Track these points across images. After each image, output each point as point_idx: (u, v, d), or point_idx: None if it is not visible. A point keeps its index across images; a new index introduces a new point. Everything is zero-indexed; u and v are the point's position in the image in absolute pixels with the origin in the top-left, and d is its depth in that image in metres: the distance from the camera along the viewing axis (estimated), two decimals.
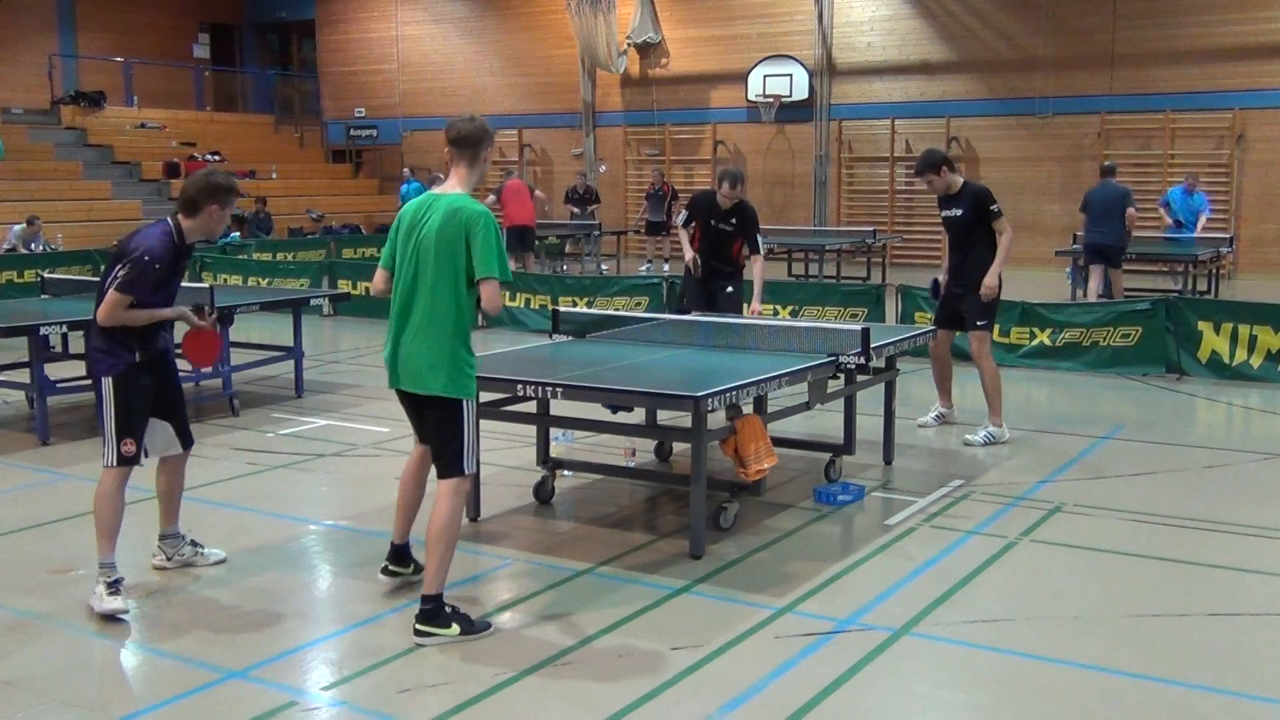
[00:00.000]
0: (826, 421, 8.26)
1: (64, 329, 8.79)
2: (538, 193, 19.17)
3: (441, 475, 4.95)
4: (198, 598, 5.39)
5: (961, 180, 8.36)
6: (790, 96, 23.16)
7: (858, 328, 6.88)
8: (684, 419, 6.25)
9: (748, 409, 6.31)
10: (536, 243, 19.32)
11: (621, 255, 22.76)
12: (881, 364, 7.43)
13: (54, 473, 7.63)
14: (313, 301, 11.97)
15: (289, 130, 29.39)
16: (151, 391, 5.38)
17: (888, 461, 7.68)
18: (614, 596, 5.34)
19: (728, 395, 5.72)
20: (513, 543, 6.16)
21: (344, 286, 15.22)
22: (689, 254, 8.89)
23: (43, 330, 8.45)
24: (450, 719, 4.19)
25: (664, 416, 7.32)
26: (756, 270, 9.01)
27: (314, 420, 9.17)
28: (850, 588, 5.47)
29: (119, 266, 5.19)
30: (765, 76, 23.28)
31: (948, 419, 8.88)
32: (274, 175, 25.70)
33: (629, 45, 24.81)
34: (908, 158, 22.80)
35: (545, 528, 6.47)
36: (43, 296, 10.58)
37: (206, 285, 10.34)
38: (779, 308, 12.38)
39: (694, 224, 8.95)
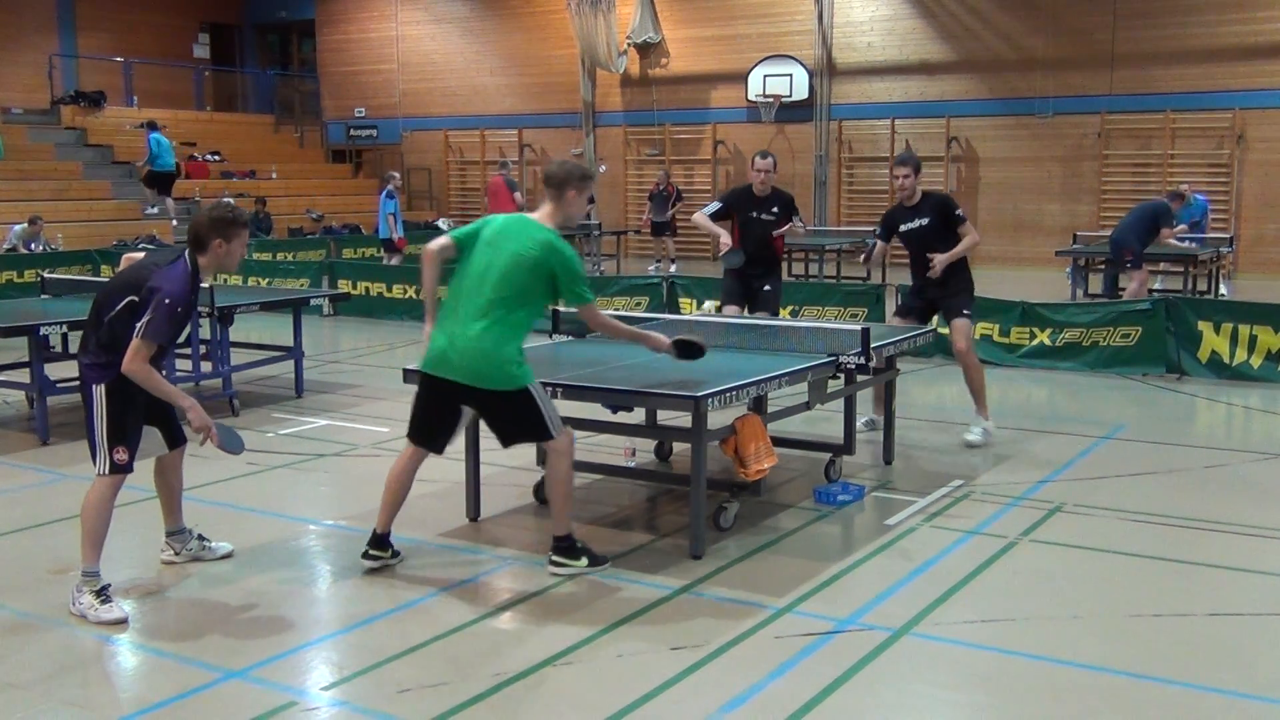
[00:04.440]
0: (826, 422, 8.26)
1: (64, 329, 8.78)
2: (516, 195, 19.16)
3: (542, 445, 5.66)
4: (197, 597, 5.39)
5: (921, 190, 8.26)
6: (790, 96, 23.17)
7: (858, 328, 6.88)
8: (684, 419, 6.24)
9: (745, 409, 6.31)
10: None
11: (622, 255, 22.76)
12: (881, 364, 7.43)
13: (54, 473, 7.63)
14: (313, 301, 11.96)
15: (289, 130, 29.39)
16: (142, 398, 5.28)
17: (888, 461, 7.68)
18: (614, 596, 5.35)
19: (728, 395, 5.72)
20: (513, 543, 6.16)
21: (344, 286, 15.23)
22: (724, 235, 8.62)
23: (43, 330, 8.45)
24: (450, 719, 4.19)
25: (664, 416, 7.32)
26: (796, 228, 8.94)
27: (314, 420, 9.17)
28: (850, 588, 5.47)
29: (141, 309, 5.06)
30: (765, 76, 23.29)
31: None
32: (274, 175, 25.70)
33: (629, 45, 24.82)
34: None
35: (545, 528, 6.44)
36: (43, 296, 10.58)
37: (205, 285, 10.33)
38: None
39: (731, 220, 8.82)
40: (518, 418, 5.46)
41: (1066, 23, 21.03)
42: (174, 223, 21.87)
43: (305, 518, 6.65)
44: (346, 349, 13.10)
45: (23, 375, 9.01)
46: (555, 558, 5.62)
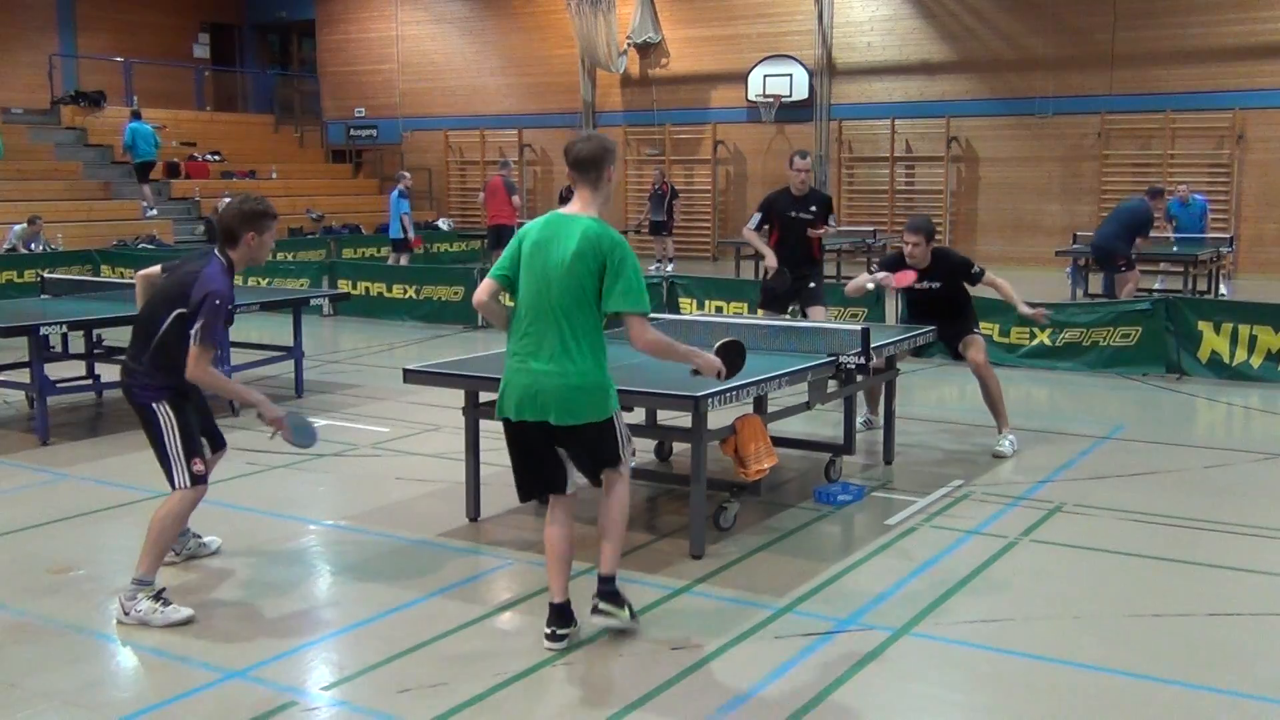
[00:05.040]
0: (826, 422, 8.25)
1: (64, 329, 8.80)
2: (514, 197, 19.19)
3: (602, 474, 4.83)
4: (198, 597, 5.38)
5: (932, 251, 8.09)
6: (790, 96, 23.17)
7: (858, 328, 6.89)
8: (684, 419, 6.24)
9: (748, 409, 6.31)
10: None
11: None
12: (881, 364, 7.43)
13: (54, 473, 7.63)
14: (313, 301, 11.95)
15: (289, 130, 29.38)
16: (194, 405, 5.34)
17: (888, 461, 7.68)
18: None
19: (728, 395, 5.72)
20: (513, 543, 6.15)
21: (344, 286, 15.23)
22: (770, 257, 8.90)
23: (43, 330, 8.44)
24: (450, 719, 4.19)
25: (664, 416, 7.32)
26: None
27: (313, 420, 9.09)
28: (850, 588, 5.47)
29: (191, 317, 5.03)
30: (765, 76, 23.30)
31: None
32: (274, 175, 25.70)
33: (629, 45, 24.82)
34: (907, 158, 22.84)
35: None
36: (43, 296, 10.59)
37: None
38: None
39: (771, 224, 8.86)
40: (598, 446, 4.75)
41: (1066, 23, 21.03)
42: (150, 210, 21.90)
43: (305, 518, 6.65)
44: (346, 349, 13.09)
45: (23, 375, 9.00)
46: (602, 605, 4.79)
